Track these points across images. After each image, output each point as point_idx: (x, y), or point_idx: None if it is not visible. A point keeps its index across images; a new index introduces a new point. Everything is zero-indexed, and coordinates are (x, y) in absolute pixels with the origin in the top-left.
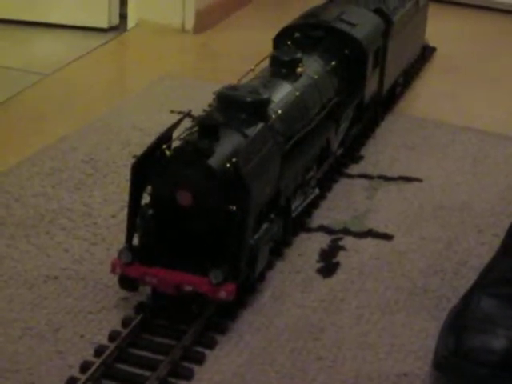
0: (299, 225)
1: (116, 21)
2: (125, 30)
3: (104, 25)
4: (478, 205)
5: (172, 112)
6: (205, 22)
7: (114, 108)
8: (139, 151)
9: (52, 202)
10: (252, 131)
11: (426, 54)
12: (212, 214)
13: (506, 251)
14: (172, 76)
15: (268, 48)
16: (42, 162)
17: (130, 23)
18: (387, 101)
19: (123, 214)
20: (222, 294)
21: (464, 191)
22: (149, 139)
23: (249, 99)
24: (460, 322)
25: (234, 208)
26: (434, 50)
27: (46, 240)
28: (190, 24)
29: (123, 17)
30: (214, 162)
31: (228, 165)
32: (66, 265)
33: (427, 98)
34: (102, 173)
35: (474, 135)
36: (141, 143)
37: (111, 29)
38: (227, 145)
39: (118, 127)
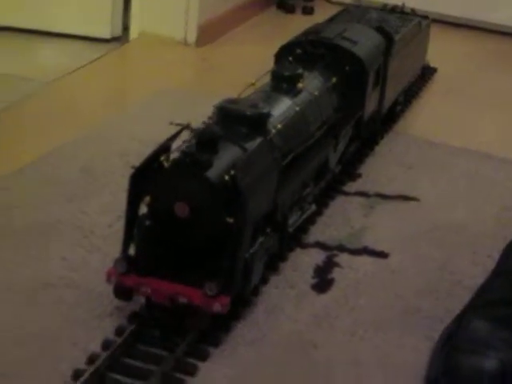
0: (295, 240)
1: (119, 31)
2: (127, 40)
3: (106, 35)
4: (473, 226)
5: (171, 124)
6: (207, 35)
7: (113, 118)
8: (137, 162)
9: (50, 210)
10: (251, 145)
11: (426, 74)
12: (209, 226)
13: (500, 273)
14: (172, 88)
15: (269, 63)
16: (40, 170)
17: (133, 34)
18: (387, 119)
19: (119, 224)
20: (216, 307)
21: (460, 212)
22: (147, 150)
23: (249, 113)
24: (452, 343)
25: (231, 221)
26: (434, 70)
27: (43, 248)
28: (192, 37)
29: (126, 27)
30: (212, 174)
31: (226, 177)
32: (61, 273)
33: (427, 117)
34: (99, 182)
35: (471, 156)
36: (139, 154)
37: (113, 39)
38: (226, 158)
39: (117, 137)
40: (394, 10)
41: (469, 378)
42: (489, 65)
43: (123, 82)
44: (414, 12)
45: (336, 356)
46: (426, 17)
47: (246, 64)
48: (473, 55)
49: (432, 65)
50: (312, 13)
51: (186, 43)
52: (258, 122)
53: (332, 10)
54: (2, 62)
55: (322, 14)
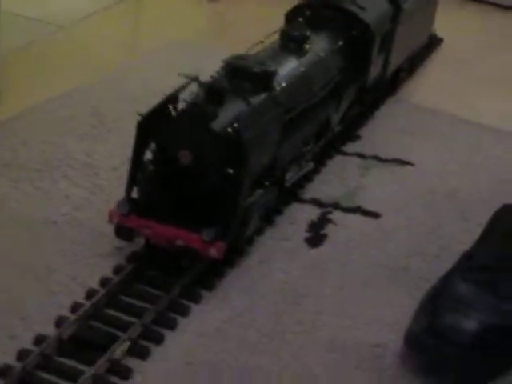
0: (292, 195)
1: None
2: None
3: None
4: (467, 194)
5: (180, 75)
6: None
7: (124, 66)
8: (145, 109)
9: (57, 150)
10: (255, 100)
11: (433, 43)
12: (210, 174)
13: (486, 239)
14: (183, 41)
15: (279, 23)
16: (50, 110)
17: None
18: (390, 85)
19: (124, 168)
20: (212, 252)
21: (455, 179)
22: (155, 99)
23: (255, 70)
24: (435, 302)
25: (232, 171)
26: (441, 40)
27: (48, 185)
28: None
29: None
30: (216, 125)
31: (229, 129)
32: (65, 211)
33: (429, 86)
34: (107, 127)
35: (471, 127)
36: (147, 102)
37: None
38: (230, 111)
39: (127, 85)
40: None
41: (449, 335)
42: (497, 40)
43: (137, 30)
44: None
45: (324, 307)
46: None
47: (257, 21)
48: (481, 29)
49: (439, 35)
50: None
51: None
52: (263, 79)
53: None
54: (18, 3)
55: None
